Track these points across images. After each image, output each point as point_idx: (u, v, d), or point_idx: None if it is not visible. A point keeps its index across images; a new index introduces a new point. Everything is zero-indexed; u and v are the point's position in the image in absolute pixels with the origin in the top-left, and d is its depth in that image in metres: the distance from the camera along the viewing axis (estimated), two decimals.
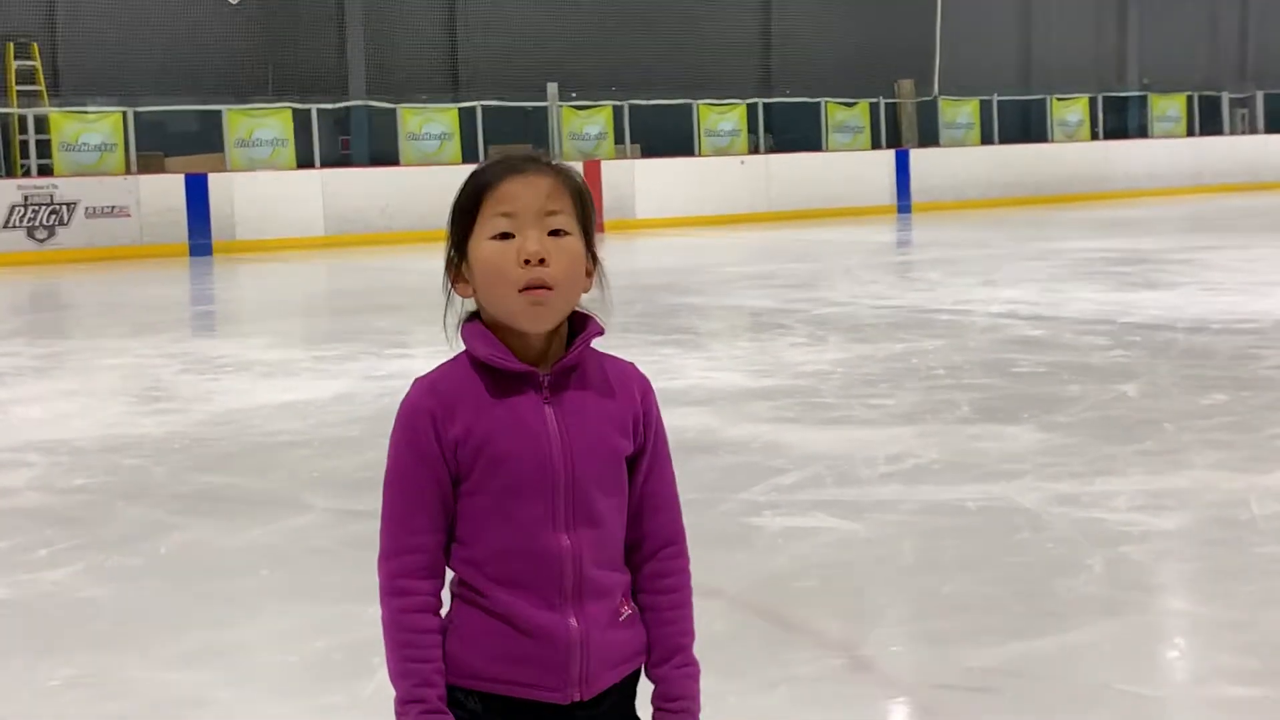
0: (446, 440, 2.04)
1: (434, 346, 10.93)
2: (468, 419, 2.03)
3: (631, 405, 2.14)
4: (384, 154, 24.82)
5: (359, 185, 23.23)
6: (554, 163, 2.09)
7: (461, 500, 2.05)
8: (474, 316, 2.09)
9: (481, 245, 2.05)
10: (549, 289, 2.02)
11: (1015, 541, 5.32)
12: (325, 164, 23.89)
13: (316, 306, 16.09)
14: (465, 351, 2.08)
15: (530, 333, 2.05)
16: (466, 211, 2.08)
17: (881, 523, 5.63)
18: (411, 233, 22.74)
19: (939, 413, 7.75)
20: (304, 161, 23.49)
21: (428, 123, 24.55)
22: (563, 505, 2.04)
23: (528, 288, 2.01)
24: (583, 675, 2.05)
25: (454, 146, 24.67)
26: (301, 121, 23.52)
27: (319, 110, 23.90)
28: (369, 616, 4.74)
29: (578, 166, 24.54)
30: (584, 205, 2.10)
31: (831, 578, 5.04)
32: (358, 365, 10.08)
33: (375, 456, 7.18)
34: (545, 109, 25.48)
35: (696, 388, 8.83)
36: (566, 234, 2.06)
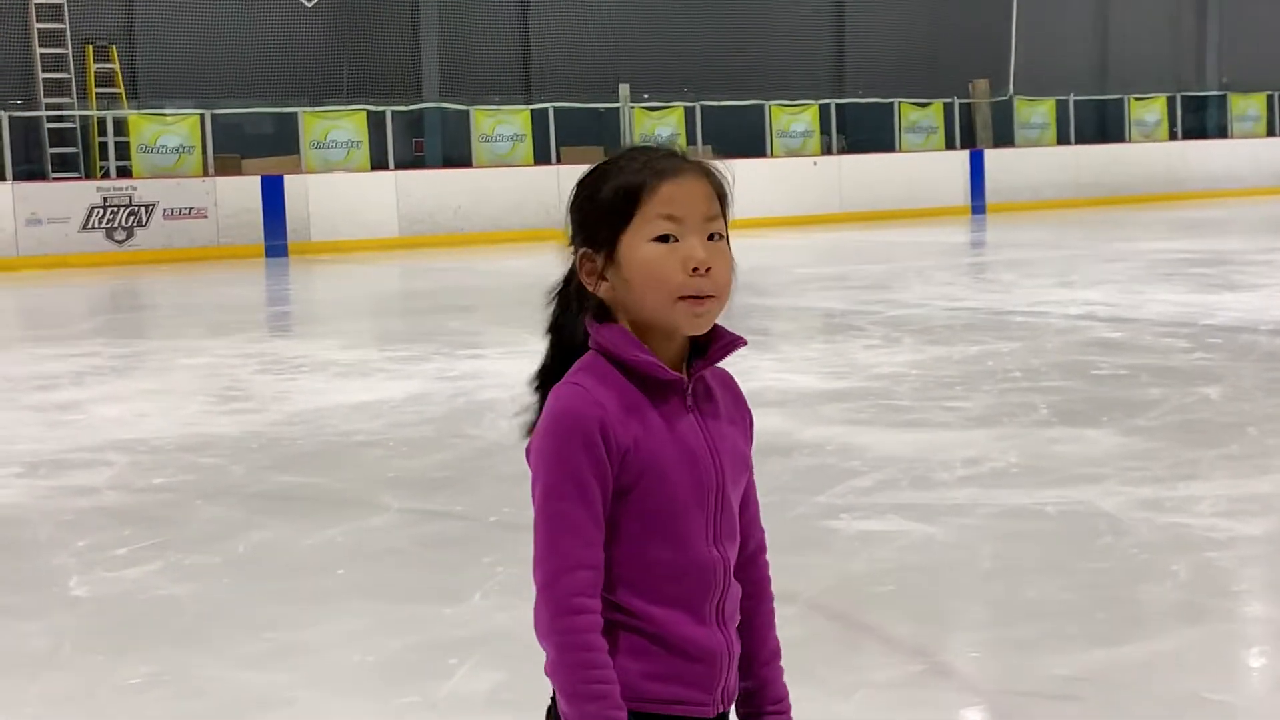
0: (615, 450, 1.93)
1: (506, 347, 10.98)
2: (634, 429, 1.95)
3: (744, 409, 2.11)
4: (457, 155, 24.93)
5: (432, 186, 23.33)
6: (701, 160, 2.04)
7: (620, 514, 1.95)
8: (604, 315, 2.02)
9: (642, 247, 1.97)
10: (712, 297, 1.98)
11: (1097, 547, 5.24)
12: (399, 165, 24.01)
13: (390, 307, 16.17)
14: (602, 354, 2.00)
15: (682, 336, 1.99)
16: (619, 211, 1.99)
17: (959, 527, 5.57)
18: (484, 234, 22.83)
19: (1016, 416, 7.66)
20: (378, 163, 23.62)
21: (500, 124, 24.62)
22: (714, 517, 2.00)
23: (692, 296, 1.96)
24: (725, 687, 2.02)
25: (526, 148, 24.73)
26: (375, 123, 23.65)
27: (393, 112, 24.03)
28: (443, 617, 4.74)
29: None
30: (727, 204, 2.07)
31: (908, 582, 4.99)
32: (431, 366, 10.11)
33: (448, 457, 7.22)
34: (617, 110, 25.48)
35: (770, 389, 8.78)
36: (721, 237, 2.03)
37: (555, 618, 1.92)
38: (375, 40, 25.40)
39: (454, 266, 19.26)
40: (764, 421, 7.81)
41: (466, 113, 24.47)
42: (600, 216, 2.01)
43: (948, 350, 10.06)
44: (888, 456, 6.77)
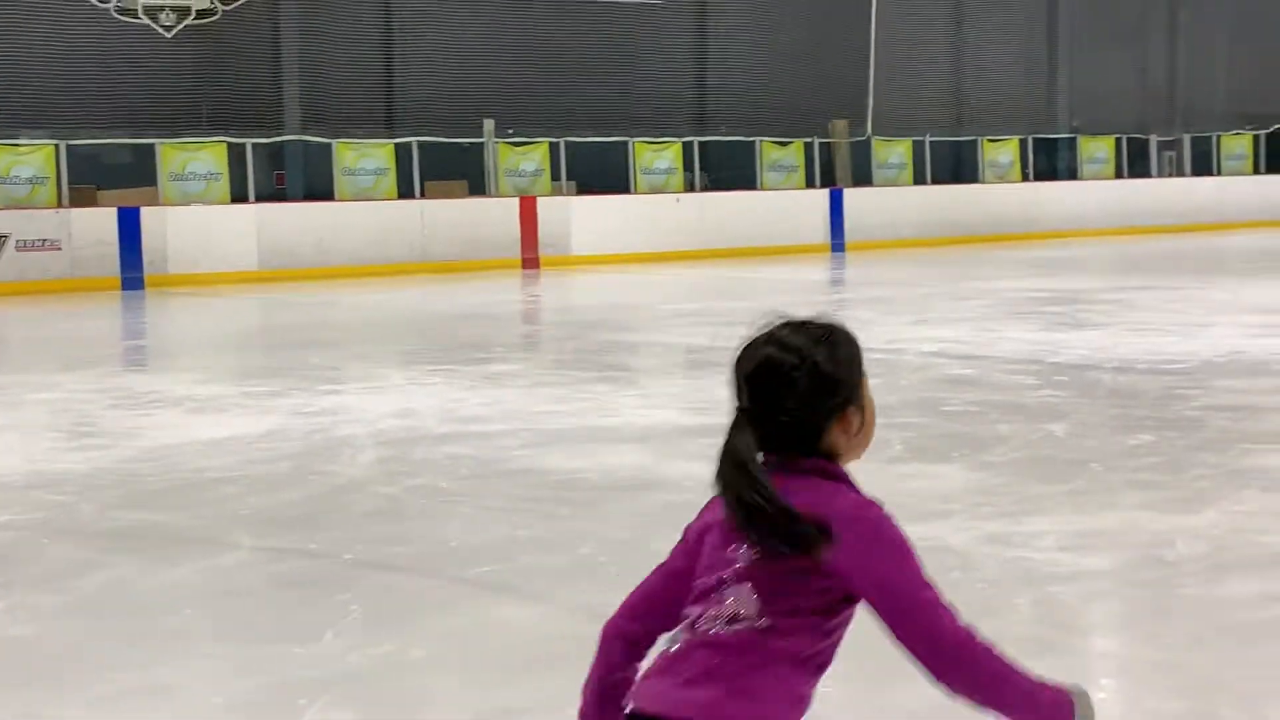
0: None
1: (366, 383, 10.92)
2: None
3: None
4: (319, 189, 24.74)
5: (293, 220, 23.13)
6: None
7: None
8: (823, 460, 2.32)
9: (869, 397, 2.34)
10: None
11: (945, 582, 5.31)
12: (260, 198, 23.78)
13: (248, 342, 15.98)
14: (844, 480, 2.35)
15: None
16: (860, 365, 2.34)
17: None
18: (346, 268, 22.66)
19: (870, 452, 7.73)
20: (238, 195, 23.38)
21: (363, 158, 24.51)
22: None
23: None
24: None
25: (390, 181, 24.64)
26: (236, 155, 23.42)
27: (253, 144, 23.80)
28: (294, 656, 4.70)
29: (513, 203, 24.58)
30: None
31: None
32: (288, 401, 10.01)
33: (303, 494, 7.16)
34: (482, 145, 25.49)
35: (631, 425, 8.83)
36: None
37: (980, 648, 2.22)
38: (236, 71, 25.15)
39: (315, 301, 19.10)
40: (624, 458, 7.90)
41: (329, 146, 24.32)
42: (855, 371, 2.35)
43: None
44: None
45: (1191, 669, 4.45)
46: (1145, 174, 32.31)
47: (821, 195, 27.46)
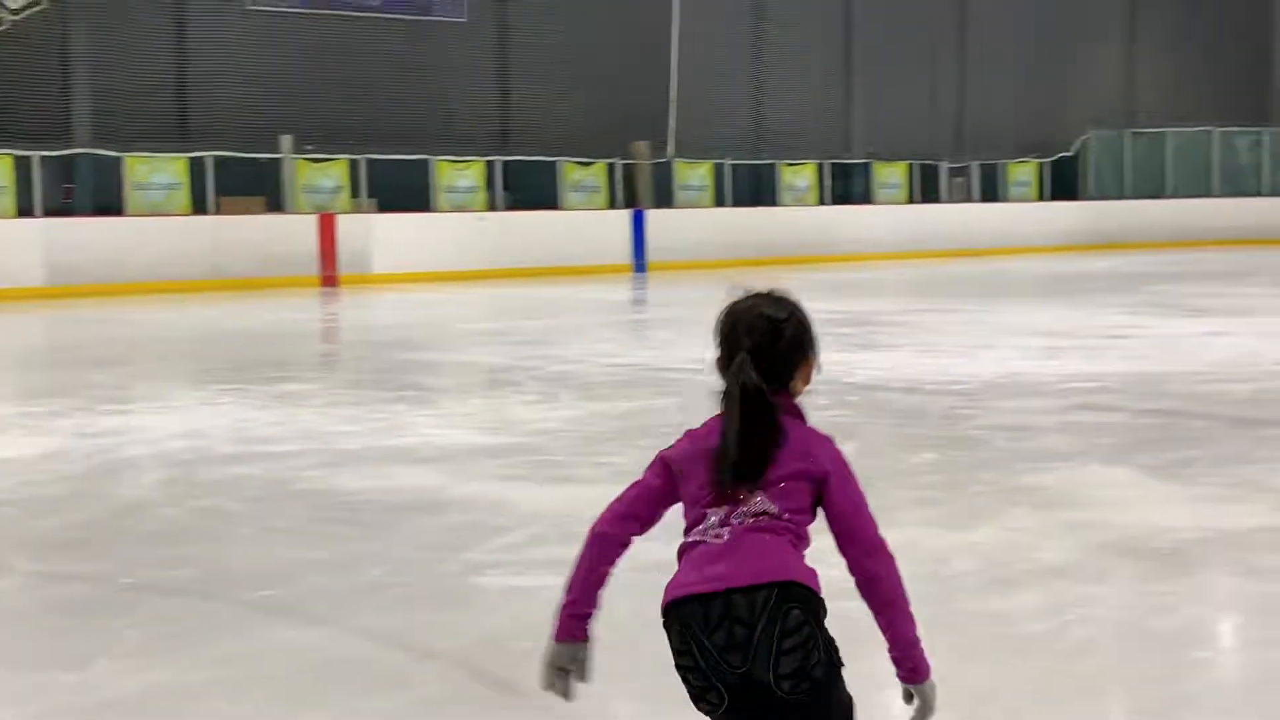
0: None
1: (153, 402, 10.66)
2: None
3: None
4: (109, 203, 24.11)
5: (82, 235, 22.52)
6: None
7: None
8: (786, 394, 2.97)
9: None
10: None
11: None
12: (47, 212, 23.08)
13: (30, 360, 15.49)
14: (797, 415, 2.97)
15: None
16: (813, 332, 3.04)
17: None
18: (137, 284, 22.13)
19: None
20: (24, 209, 22.66)
21: (155, 172, 23.96)
22: None
23: None
24: None
25: (182, 197, 24.13)
26: (22, 168, 22.70)
27: (41, 157, 23.11)
28: (66, 684, 4.57)
29: (311, 220, 24.26)
30: None
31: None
32: (69, 422, 9.73)
33: (82, 518, 6.97)
34: (279, 161, 25.12)
35: (425, 445, 8.78)
36: None
37: (889, 553, 3.10)
38: (22, 83, 24.39)
39: (103, 318, 18.60)
40: (418, 479, 7.84)
41: (119, 159, 23.72)
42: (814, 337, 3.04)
43: (604, 406, 10.24)
44: (539, 512, 6.85)
45: (963, 681, 4.57)
46: (936, 199, 33.21)
47: (623, 216, 27.66)
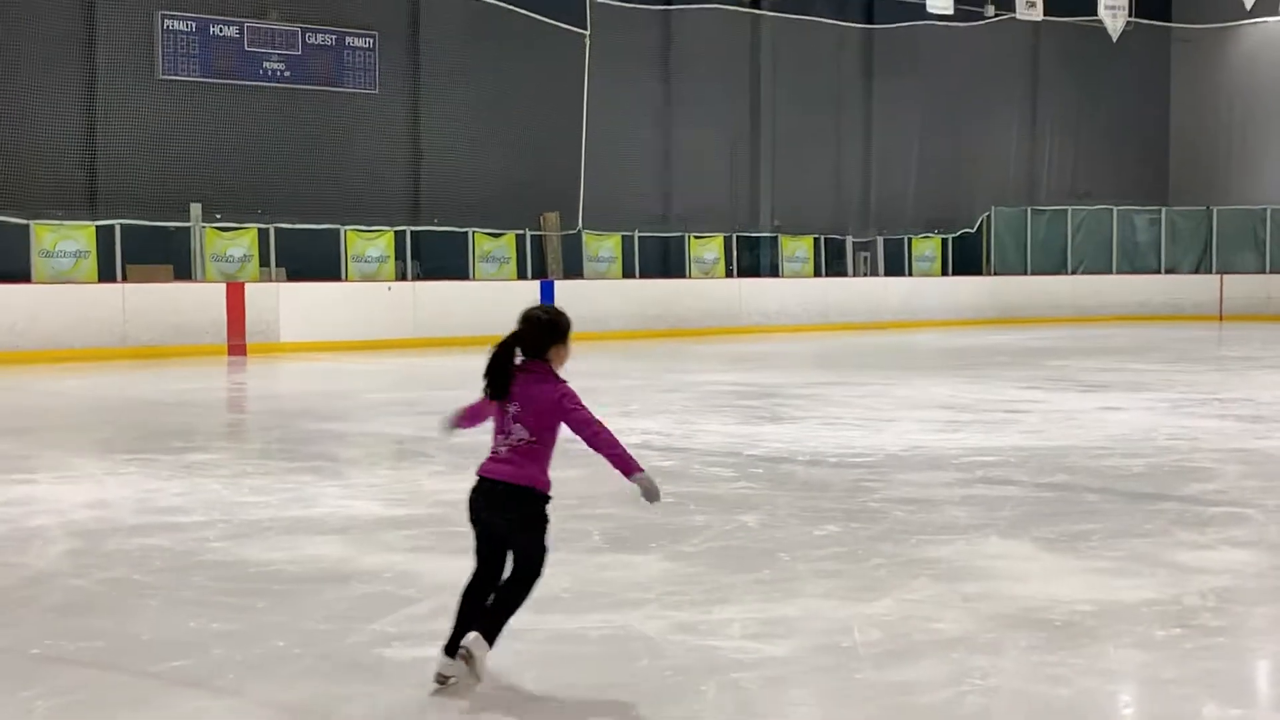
0: None
1: (59, 471, 10.59)
2: None
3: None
4: (15, 271, 23.86)
5: None
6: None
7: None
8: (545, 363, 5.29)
9: (570, 346, 5.34)
10: None
11: (634, 670, 5.52)
12: None
13: None
14: (551, 370, 5.30)
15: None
16: (568, 328, 5.31)
17: (508, 652, 5.74)
18: (42, 352, 21.92)
19: (570, 542, 7.94)
20: None
21: (63, 240, 23.79)
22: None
23: None
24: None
25: (90, 265, 23.95)
26: None
27: None
28: None
29: (219, 288, 24.17)
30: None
31: (451, 710, 5.11)
32: None
33: None
34: (188, 229, 25.04)
35: (333, 516, 8.80)
36: None
37: (604, 429, 5.25)
38: None
39: (9, 386, 18.39)
40: (325, 550, 7.86)
41: (26, 226, 23.53)
42: (567, 330, 5.29)
43: None
44: (445, 583, 6.90)
45: None
46: (842, 273, 33.66)
47: (533, 286, 27.79)
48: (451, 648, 5.15)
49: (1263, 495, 9.57)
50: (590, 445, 5.20)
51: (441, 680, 5.17)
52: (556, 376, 5.21)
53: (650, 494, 5.28)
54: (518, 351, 5.20)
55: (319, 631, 6.05)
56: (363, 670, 5.51)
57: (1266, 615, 6.46)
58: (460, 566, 7.28)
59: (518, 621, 6.16)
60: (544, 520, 5.25)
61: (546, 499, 5.24)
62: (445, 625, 6.11)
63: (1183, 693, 5.30)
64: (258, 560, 7.53)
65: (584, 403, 5.21)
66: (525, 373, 5.21)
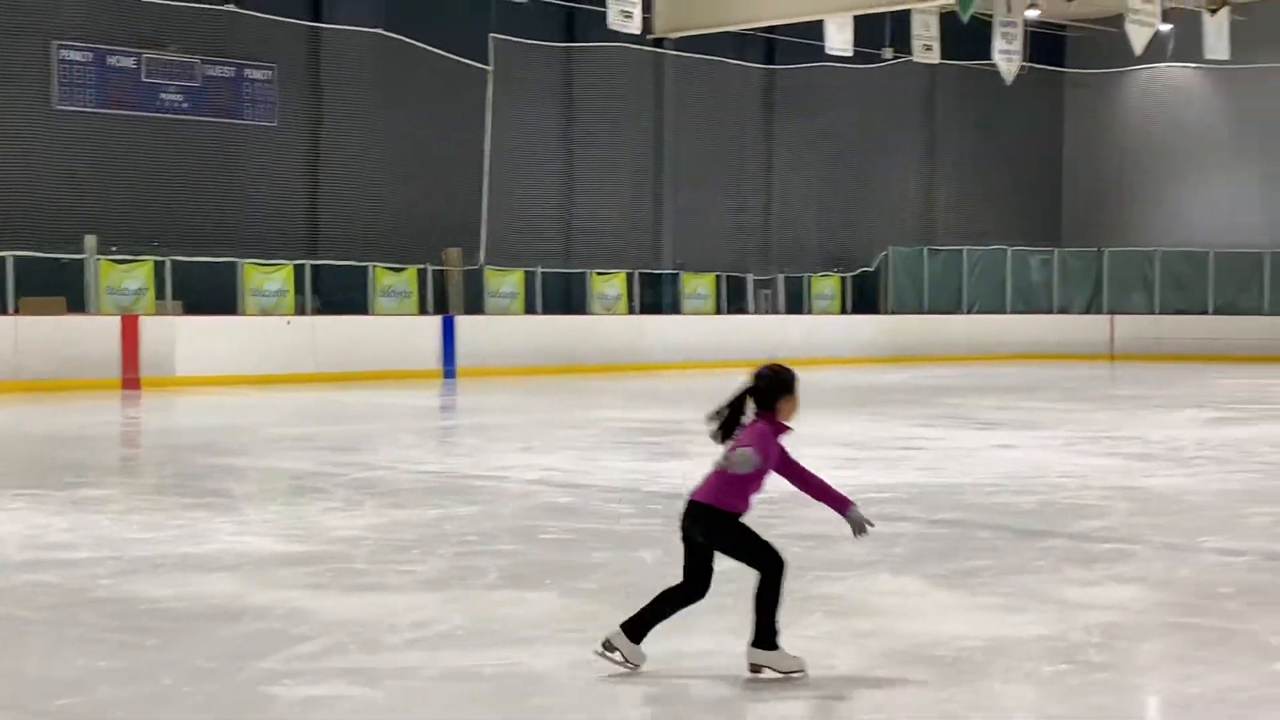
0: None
1: None
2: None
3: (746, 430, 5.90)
4: None
5: None
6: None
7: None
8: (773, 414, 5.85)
9: (798, 397, 5.93)
10: None
11: (527, 707, 5.51)
12: None
13: None
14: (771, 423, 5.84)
15: None
16: (794, 385, 5.88)
17: (401, 689, 5.71)
18: None
19: (467, 579, 7.92)
20: None
21: None
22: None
23: None
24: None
25: None
26: None
27: None
28: None
29: (114, 321, 23.84)
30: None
31: None
32: None
33: None
34: (83, 261, 24.68)
35: (225, 552, 8.71)
36: None
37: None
38: None
39: None
40: (217, 587, 7.78)
41: None
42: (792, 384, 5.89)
43: (408, 514, 10.26)
44: (338, 620, 6.86)
45: None
46: (743, 310, 33.88)
47: (434, 322, 27.70)
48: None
49: (1149, 532, 9.76)
50: (800, 487, 6.09)
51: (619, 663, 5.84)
52: (777, 426, 5.80)
53: (858, 527, 6.08)
54: (749, 404, 5.78)
55: (207, 669, 5.98)
56: (251, 709, 5.45)
57: (1151, 651, 6.58)
58: (355, 604, 7.26)
59: (410, 659, 6.15)
60: (733, 531, 5.86)
61: (730, 519, 5.82)
62: (336, 663, 6.08)
63: None
64: (147, 597, 7.42)
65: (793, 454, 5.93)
66: (752, 420, 5.81)
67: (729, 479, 5.73)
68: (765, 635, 5.77)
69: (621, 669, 5.77)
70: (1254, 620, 7.02)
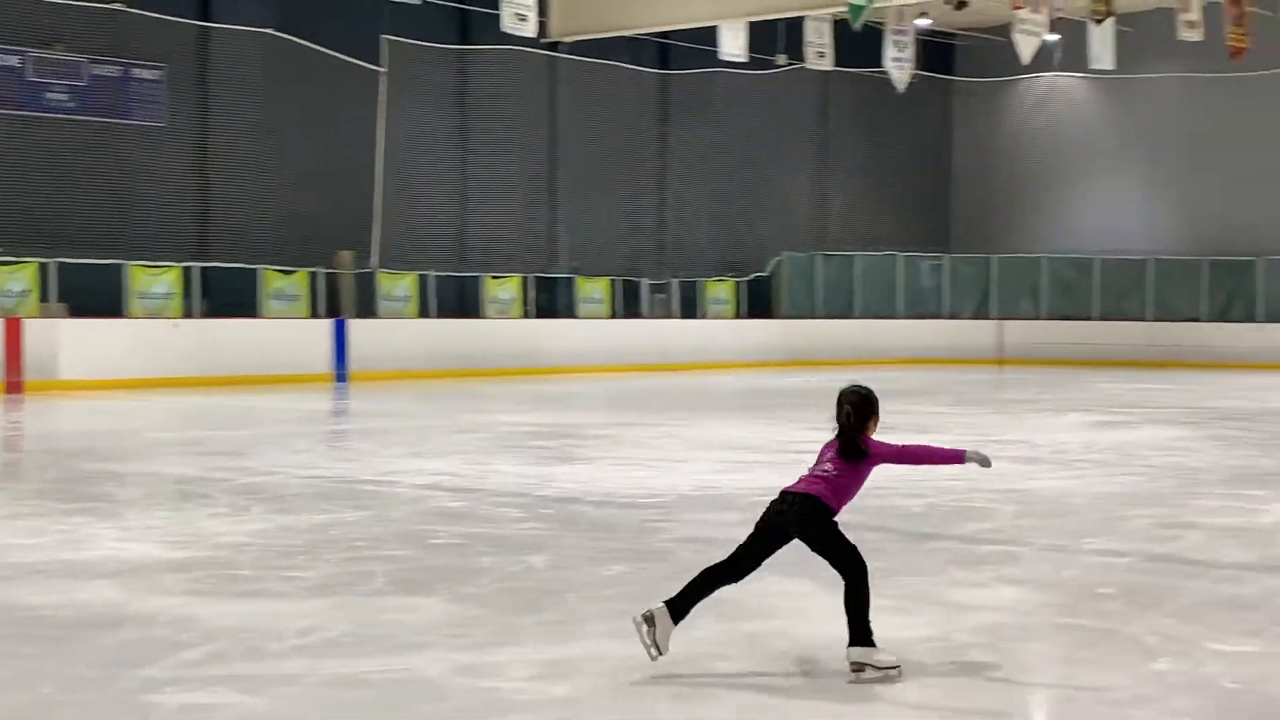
0: None
1: None
2: None
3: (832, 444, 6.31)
4: None
5: None
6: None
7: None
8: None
9: (879, 416, 6.31)
10: None
11: (414, 713, 5.46)
12: None
13: None
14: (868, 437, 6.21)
15: None
16: (877, 405, 6.28)
17: (285, 697, 5.64)
18: None
19: (354, 585, 7.84)
20: None
21: None
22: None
23: None
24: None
25: None
26: None
27: None
28: None
29: None
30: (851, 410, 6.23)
31: None
32: None
33: None
34: None
35: (108, 559, 8.55)
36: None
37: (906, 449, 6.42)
38: None
39: None
40: (98, 594, 7.63)
41: None
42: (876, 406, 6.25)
43: (295, 519, 10.14)
44: (222, 628, 6.76)
45: None
46: (637, 314, 33.92)
47: (325, 325, 27.43)
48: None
49: (1035, 534, 9.89)
50: (912, 462, 6.31)
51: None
52: (868, 438, 6.21)
53: (984, 462, 6.13)
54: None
55: (88, 678, 5.86)
56: (131, 717, 5.35)
57: (1035, 651, 6.66)
58: (239, 610, 7.15)
59: (294, 666, 6.08)
60: (830, 526, 6.07)
61: (830, 513, 6.06)
62: (219, 670, 5.99)
63: None
64: (27, 605, 7.27)
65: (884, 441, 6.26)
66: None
67: (830, 479, 6.08)
68: (861, 634, 5.97)
69: (647, 647, 5.90)
70: (1134, 621, 7.13)
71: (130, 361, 24.49)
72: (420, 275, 29.84)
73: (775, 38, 34.32)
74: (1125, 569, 8.66)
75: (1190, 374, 32.13)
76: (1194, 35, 29.30)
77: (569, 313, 32.58)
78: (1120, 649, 6.57)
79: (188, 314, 26.55)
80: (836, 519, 6.08)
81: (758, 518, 6.21)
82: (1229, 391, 25.83)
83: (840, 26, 29.28)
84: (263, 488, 11.85)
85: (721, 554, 8.83)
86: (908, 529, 10.05)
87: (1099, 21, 29.34)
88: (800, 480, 6.13)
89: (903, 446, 6.23)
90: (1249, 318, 35.88)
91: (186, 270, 26.63)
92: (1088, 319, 37.25)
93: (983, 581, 8.11)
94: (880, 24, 30.43)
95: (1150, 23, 33.59)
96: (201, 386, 24.46)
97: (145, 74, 27.40)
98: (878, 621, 7.06)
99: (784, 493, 6.15)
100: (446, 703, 5.60)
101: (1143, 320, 36.75)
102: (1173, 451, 15.32)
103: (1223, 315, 36.36)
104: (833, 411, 6.22)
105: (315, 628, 6.76)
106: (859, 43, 30.91)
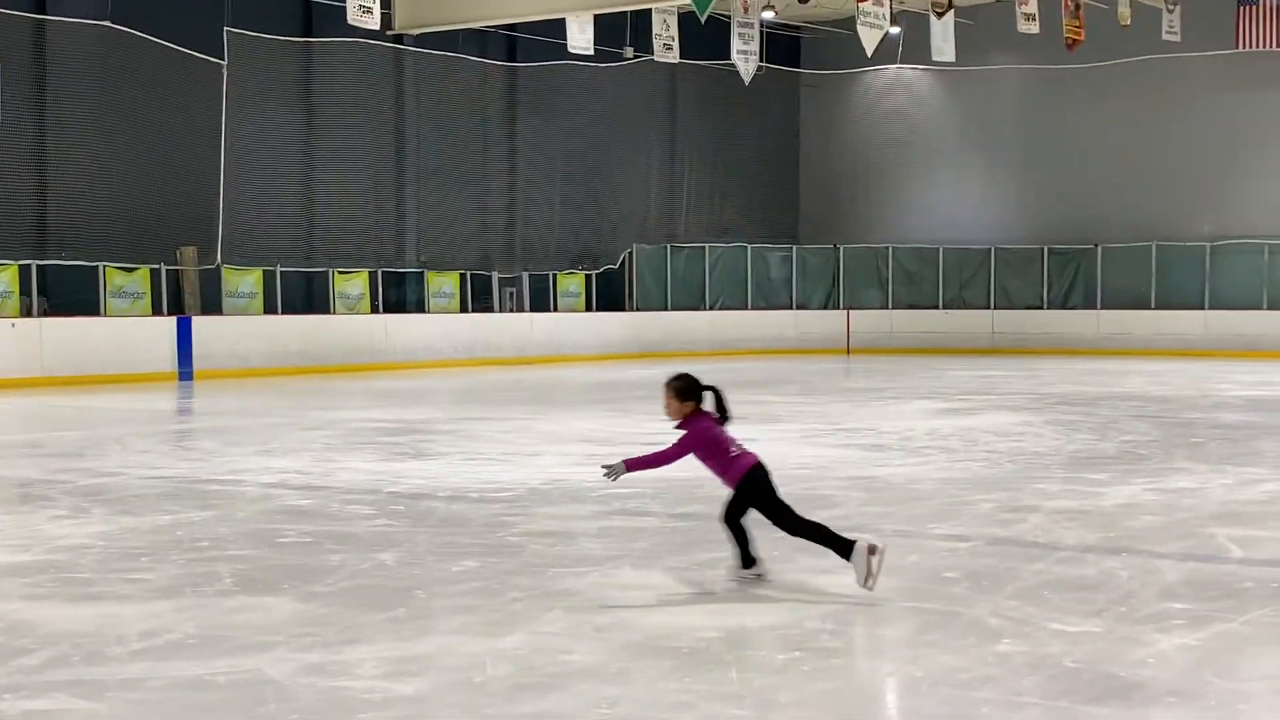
0: None
1: None
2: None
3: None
4: None
5: None
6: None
7: None
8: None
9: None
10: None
11: (260, 714, 5.38)
12: None
13: None
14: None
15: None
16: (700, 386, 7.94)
17: (128, 702, 5.53)
18: None
19: (199, 586, 7.71)
20: None
21: None
22: None
23: None
24: None
25: None
26: None
27: None
28: None
29: None
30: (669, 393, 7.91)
31: None
32: None
33: None
34: None
35: None
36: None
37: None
38: None
39: None
40: None
41: None
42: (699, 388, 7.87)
43: (138, 520, 9.94)
44: (61, 632, 6.61)
45: None
46: (488, 308, 33.78)
47: (169, 323, 26.90)
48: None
49: (881, 520, 10.04)
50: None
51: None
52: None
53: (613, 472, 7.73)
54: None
55: None
56: None
57: (881, 636, 6.77)
58: (80, 614, 6.99)
59: (137, 669, 5.96)
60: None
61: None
62: (59, 675, 5.85)
63: (802, 714, 5.49)
64: None
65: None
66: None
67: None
68: (841, 547, 7.54)
69: (874, 575, 7.30)
70: (977, 603, 7.28)
71: None
72: (266, 271, 29.40)
73: (623, 30, 34.39)
74: (969, 553, 8.83)
75: (1032, 360, 32.89)
76: (1032, 28, 29.99)
77: (419, 307, 32.35)
78: (965, 631, 6.70)
79: (26, 313, 25.86)
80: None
81: (727, 494, 7.92)
82: (1070, 377, 26.47)
83: (687, 19, 29.44)
84: (105, 489, 11.59)
85: (567, 548, 8.88)
86: (757, 518, 10.12)
87: (940, 14, 29.89)
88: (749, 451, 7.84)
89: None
90: (1089, 305, 36.82)
91: (24, 268, 25.93)
92: (933, 308, 37.94)
93: (830, 569, 8.21)
94: (726, 16, 30.66)
95: (990, 15, 34.29)
96: (41, 387, 23.86)
97: None
98: (726, 609, 7.12)
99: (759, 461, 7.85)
100: (294, 703, 5.53)
101: (986, 309, 37.53)
102: (1015, 437, 15.66)
103: (1063, 303, 37.27)
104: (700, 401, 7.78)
105: (159, 630, 6.64)
106: (706, 35, 31.11)
